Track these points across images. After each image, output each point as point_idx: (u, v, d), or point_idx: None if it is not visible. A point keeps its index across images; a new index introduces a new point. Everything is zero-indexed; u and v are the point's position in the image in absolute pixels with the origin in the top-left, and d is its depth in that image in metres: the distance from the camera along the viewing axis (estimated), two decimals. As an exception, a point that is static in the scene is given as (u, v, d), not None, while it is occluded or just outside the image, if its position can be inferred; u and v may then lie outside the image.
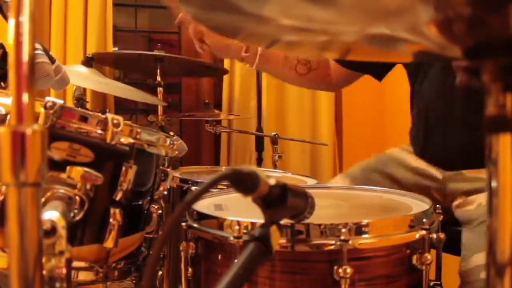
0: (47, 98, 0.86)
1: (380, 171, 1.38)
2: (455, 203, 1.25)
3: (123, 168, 0.92)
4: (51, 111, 0.86)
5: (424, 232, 0.86)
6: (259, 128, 2.46)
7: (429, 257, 0.86)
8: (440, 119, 1.29)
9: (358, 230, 0.82)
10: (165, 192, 1.13)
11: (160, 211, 1.12)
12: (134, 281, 1.13)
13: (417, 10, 0.38)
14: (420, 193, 1.29)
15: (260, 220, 0.67)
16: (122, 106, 2.65)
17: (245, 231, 0.82)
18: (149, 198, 1.06)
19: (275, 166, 2.01)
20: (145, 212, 1.06)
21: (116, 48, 2.54)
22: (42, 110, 0.85)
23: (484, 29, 0.38)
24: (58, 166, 0.85)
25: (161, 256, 1.59)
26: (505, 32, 0.37)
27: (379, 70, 1.47)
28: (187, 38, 2.82)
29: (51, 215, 0.71)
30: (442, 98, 1.28)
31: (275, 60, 1.51)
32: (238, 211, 1.00)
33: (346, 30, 0.45)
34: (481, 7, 0.35)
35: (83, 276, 0.95)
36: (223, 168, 2.27)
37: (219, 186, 1.19)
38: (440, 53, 0.46)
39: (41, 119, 0.85)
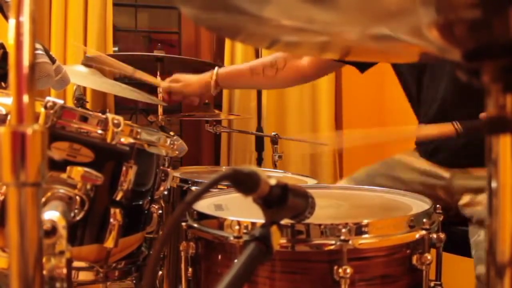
0: (48, 98, 0.86)
1: (386, 175, 1.39)
2: (462, 202, 1.25)
3: (124, 168, 0.93)
4: (52, 111, 0.86)
5: (424, 232, 0.86)
6: (259, 128, 2.46)
7: (429, 257, 0.86)
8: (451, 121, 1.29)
9: (358, 230, 0.82)
10: (165, 192, 1.13)
11: (160, 211, 1.12)
12: (134, 281, 1.13)
13: (418, 12, 0.38)
14: (426, 192, 1.29)
15: (260, 220, 0.67)
16: (122, 106, 2.65)
17: (245, 231, 0.82)
18: (149, 198, 1.06)
19: (275, 166, 2.01)
20: (145, 212, 1.06)
21: (116, 48, 2.53)
22: (42, 110, 0.85)
23: (485, 31, 0.38)
24: (59, 166, 0.85)
25: (161, 256, 1.59)
26: (506, 35, 0.37)
27: (363, 63, 1.46)
28: (187, 38, 2.83)
29: (52, 215, 0.71)
30: (452, 100, 1.27)
31: (242, 74, 1.53)
32: (238, 211, 1.00)
33: (347, 31, 0.45)
34: (482, 10, 0.35)
35: (83, 276, 0.95)
36: (223, 168, 2.27)
37: (219, 186, 1.19)
38: (440, 55, 0.45)
39: (41, 119, 0.85)
